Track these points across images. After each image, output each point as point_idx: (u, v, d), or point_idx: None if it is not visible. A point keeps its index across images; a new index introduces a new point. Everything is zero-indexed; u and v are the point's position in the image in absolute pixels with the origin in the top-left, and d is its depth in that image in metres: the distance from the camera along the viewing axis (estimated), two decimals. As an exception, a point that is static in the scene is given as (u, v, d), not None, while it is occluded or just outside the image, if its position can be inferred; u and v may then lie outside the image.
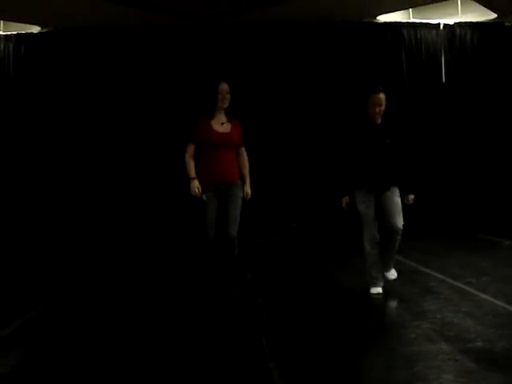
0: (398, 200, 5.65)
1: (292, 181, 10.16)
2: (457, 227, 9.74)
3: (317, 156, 10.03)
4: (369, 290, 5.66)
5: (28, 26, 10.01)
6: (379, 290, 5.65)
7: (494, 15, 10.38)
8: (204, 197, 5.61)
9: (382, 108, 5.61)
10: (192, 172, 5.67)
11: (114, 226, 9.65)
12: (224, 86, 5.72)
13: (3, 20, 9.97)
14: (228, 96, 5.72)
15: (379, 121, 5.68)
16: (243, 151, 5.93)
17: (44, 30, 10.07)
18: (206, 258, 5.80)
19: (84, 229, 9.65)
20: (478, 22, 10.56)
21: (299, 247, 9.00)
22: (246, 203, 5.81)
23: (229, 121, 5.77)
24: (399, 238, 5.61)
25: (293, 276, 6.91)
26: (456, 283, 5.97)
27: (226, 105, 5.73)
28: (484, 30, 10.58)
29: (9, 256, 8.52)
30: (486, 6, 10.09)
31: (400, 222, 5.57)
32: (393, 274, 5.84)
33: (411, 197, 5.70)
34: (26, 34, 10.07)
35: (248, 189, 5.80)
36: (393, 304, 5.49)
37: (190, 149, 5.75)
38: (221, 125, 5.70)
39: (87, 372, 3.92)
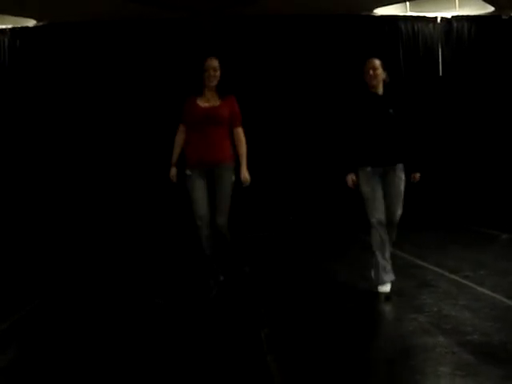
0: (402, 186, 5.31)
1: (289, 173, 10.16)
2: (452, 220, 9.75)
3: (315, 148, 10.05)
4: (377, 287, 5.32)
5: (24, 19, 9.96)
6: (388, 288, 5.28)
7: (491, 9, 10.37)
8: (188, 171, 5.29)
9: (378, 72, 5.26)
10: (173, 157, 5.43)
11: (111, 220, 9.64)
12: (211, 62, 5.27)
13: (-1, 14, 9.92)
14: (216, 73, 5.26)
15: (380, 91, 5.35)
16: (239, 131, 5.40)
17: (39, 24, 10.03)
18: (197, 253, 5.53)
19: (81, 224, 9.63)
20: (475, 16, 10.57)
21: (297, 241, 8.99)
22: (240, 191, 5.44)
23: (221, 99, 5.31)
24: (395, 230, 5.42)
25: (291, 269, 6.90)
26: (453, 276, 5.96)
27: (214, 83, 5.28)
28: (481, 23, 10.59)
29: (6, 252, 8.49)
30: (483, 0, 10.08)
31: (399, 214, 5.31)
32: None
33: (417, 175, 5.41)
34: (22, 27, 10.03)
35: (245, 172, 5.35)
36: (393, 298, 5.48)
37: (179, 130, 5.46)
38: (208, 101, 5.30)
39: (83, 366, 3.91)
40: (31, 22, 10.03)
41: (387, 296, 5.26)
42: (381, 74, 5.30)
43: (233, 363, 3.90)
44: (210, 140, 5.22)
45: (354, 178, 5.29)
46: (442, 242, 8.05)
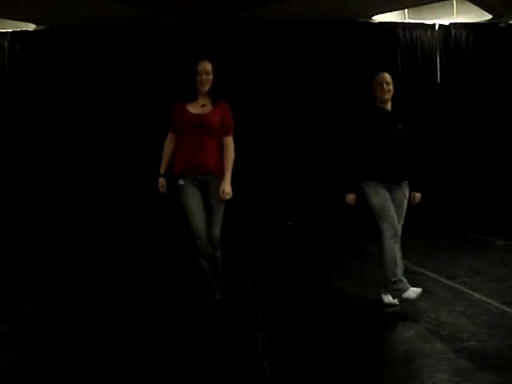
0: (406, 203, 5.20)
1: (286, 178, 10.18)
2: (449, 226, 9.79)
3: (313, 153, 10.09)
4: (392, 298, 5.11)
5: (24, 23, 9.99)
6: (411, 293, 4.94)
7: (488, 16, 10.44)
8: (181, 181, 4.96)
9: (391, 87, 5.12)
10: (162, 166, 5.15)
11: (109, 225, 9.65)
12: (204, 66, 4.97)
13: (-1, 18, 9.96)
14: (209, 77, 4.96)
15: (389, 106, 5.21)
16: (229, 141, 5.07)
17: (39, 28, 10.06)
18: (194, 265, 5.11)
19: (79, 227, 9.63)
20: (472, 23, 10.62)
21: (294, 246, 9.01)
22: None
23: (214, 105, 5.02)
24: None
25: (287, 275, 6.92)
26: (450, 283, 5.99)
27: (207, 87, 4.98)
28: (479, 30, 10.64)
29: (6, 254, 8.50)
30: (480, 7, 10.14)
31: (400, 228, 5.13)
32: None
33: (418, 194, 5.26)
34: (22, 31, 10.05)
35: (226, 186, 4.93)
36: (387, 303, 5.48)
37: (168, 138, 5.18)
38: (199, 107, 5.00)
39: (81, 368, 3.92)
40: (31, 26, 10.06)
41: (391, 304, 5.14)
42: (392, 88, 5.16)
43: (229, 368, 3.91)
44: (202, 148, 4.96)
45: (355, 196, 5.13)
46: (439, 248, 8.08)
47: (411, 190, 5.25)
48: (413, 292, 4.94)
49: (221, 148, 5.09)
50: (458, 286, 5.86)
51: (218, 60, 9.69)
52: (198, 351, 4.26)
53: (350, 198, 5.15)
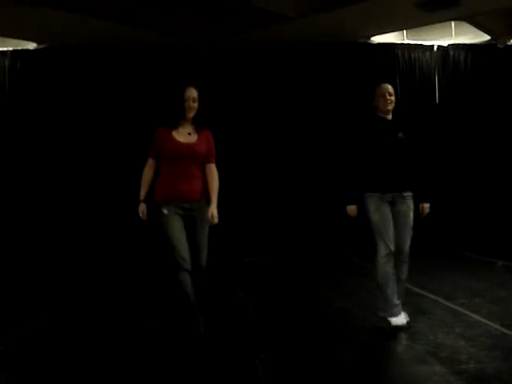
0: (412, 216, 5.14)
1: (288, 198, 10.19)
2: (448, 247, 9.77)
3: (313, 174, 10.11)
4: (387, 322, 5.02)
5: (24, 42, 10.05)
6: (403, 319, 5.00)
7: (487, 37, 10.49)
8: (165, 210, 4.84)
9: (393, 98, 5.13)
10: (142, 193, 5.02)
11: (107, 241, 9.64)
12: (190, 93, 4.92)
13: (0, 36, 10.00)
14: (195, 104, 4.92)
15: (390, 117, 5.20)
16: (212, 167, 5.03)
17: (40, 47, 10.11)
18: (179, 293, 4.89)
19: (77, 244, 9.63)
20: (471, 44, 10.68)
21: (294, 266, 8.98)
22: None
23: (197, 132, 4.99)
24: (407, 264, 5.17)
25: (286, 296, 6.89)
26: (449, 304, 5.97)
27: (192, 114, 4.93)
28: (477, 51, 10.69)
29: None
30: (479, 28, 10.21)
31: (408, 244, 5.10)
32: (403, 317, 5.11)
33: (427, 205, 5.22)
34: (22, 50, 10.10)
35: (214, 210, 4.88)
36: (385, 325, 5.45)
37: (148, 164, 5.06)
38: (185, 135, 4.93)
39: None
40: (32, 45, 10.12)
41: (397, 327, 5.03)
42: (394, 100, 5.18)
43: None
44: (188, 178, 4.89)
45: (356, 208, 5.08)
46: (438, 269, 8.07)
47: (419, 201, 5.21)
48: (400, 320, 4.97)
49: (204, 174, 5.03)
50: (457, 307, 5.84)
51: (219, 80, 9.91)
52: (198, 373, 4.23)
53: (352, 209, 5.09)
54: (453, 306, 5.90)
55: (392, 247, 5.01)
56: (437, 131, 10.46)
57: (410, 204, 5.17)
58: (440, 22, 9.89)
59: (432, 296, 6.34)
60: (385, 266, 5.00)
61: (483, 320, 5.30)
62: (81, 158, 9.96)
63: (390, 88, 5.16)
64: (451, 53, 10.69)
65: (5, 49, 10.10)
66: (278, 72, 10.23)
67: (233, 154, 9.62)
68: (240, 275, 8.10)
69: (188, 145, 4.90)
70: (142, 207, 4.98)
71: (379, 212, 5.01)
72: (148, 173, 5.05)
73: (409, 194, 5.17)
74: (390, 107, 5.15)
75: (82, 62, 10.03)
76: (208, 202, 4.94)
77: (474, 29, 10.23)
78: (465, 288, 6.74)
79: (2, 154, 9.94)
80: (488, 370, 3.97)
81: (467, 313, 5.59)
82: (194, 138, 4.94)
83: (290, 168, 10.25)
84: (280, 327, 5.46)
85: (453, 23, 10.40)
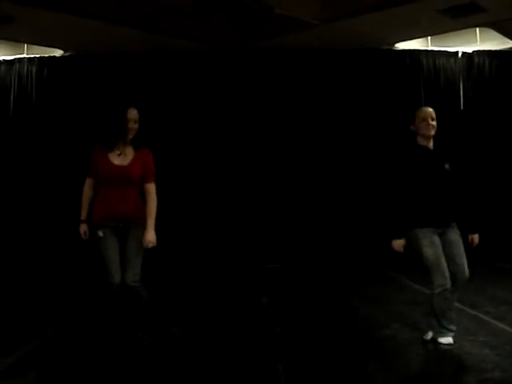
0: (461, 241, 4.94)
1: (314, 205, 10.19)
2: (473, 255, 9.64)
3: (339, 181, 10.13)
4: (435, 338, 4.90)
5: (51, 49, 10.22)
6: (450, 339, 4.84)
7: (512, 44, 10.42)
8: (100, 233, 4.78)
9: (435, 123, 4.86)
10: (83, 213, 4.94)
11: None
12: (133, 114, 4.87)
13: (28, 43, 10.19)
14: (135, 125, 4.85)
15: (431, 144, 4.94)
16: (149, 188, 4.89)
17: (66, 54, 10.27)
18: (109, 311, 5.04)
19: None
20: (496, 51, 10.61)
21: (318, 273, 8.96)
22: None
23: (136, 151, 4.87)
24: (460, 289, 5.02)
25: (310, 303, 6.87)
26: (474, 312, 5.92)
27: (131, 136, 4.84)
28: (502, 58, 10.62)
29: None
30: (504, 35, 10.13)
31: (467, 272, 4.90)
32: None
33: (476, 236, 5.02)
34: (49, 57, 10.29)
35: (149, 235, 4.74)
36: (410, 333, 5.41)
37: (87, 182, 4.97)
38: (121, 156, 4.82)
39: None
40: (58, 52, 10.28)
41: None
42: (436, 124, 4.91)
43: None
44: (123, 199, 4.79)
45: (404, 242, 4.84)
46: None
47: (467, 232, 5.04)
48: (447, 339, 4.84)
49: (142, 195, 4.94)
50: (481, 315, 5.78)
51: (242, 86, 9.95)
52: (220, 379, 4.25)
53: (400, 244, 4.84)
54: (478, 314, 5.85)
55: (448, 275, 4.82)
56: (462, 137, 10.38)
57: (458, 232, 5.01)
58: (465, 28, 9.84)
59: (457, 304, 6.22)
60: (440, 295, 4.82)
61: (508, 328, 5.25)
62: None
63: (432, 112, 4.92)
64: (476, 59, 10.64)
65: (32, 56, 10.31)
66: (302, 78, 10.27)
67: (260, 160, 9.67)
68: (263, 281, 8.10)
69: (122, 167, 4.80)
70: (83, 227, 4.93)
71: (434, 246, 4.81)
72: (87, 192, 4.98)
73: (454, 224, 5.00)
74: (433, 132, 4.89)
75: (107, 69, 10.18)
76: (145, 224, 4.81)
77: (498, 35, 10.16)
78: (490, 296, 6.67)
79: (29, 159, 10.09)
80: (513, 379, 3.94)
81: (492, 321, 5.54)
82: (128, 160, 4.84)
83: (316, 175, 10.25)
84: (303, 333, 5.45)
85: (477, 29, 10.35)
